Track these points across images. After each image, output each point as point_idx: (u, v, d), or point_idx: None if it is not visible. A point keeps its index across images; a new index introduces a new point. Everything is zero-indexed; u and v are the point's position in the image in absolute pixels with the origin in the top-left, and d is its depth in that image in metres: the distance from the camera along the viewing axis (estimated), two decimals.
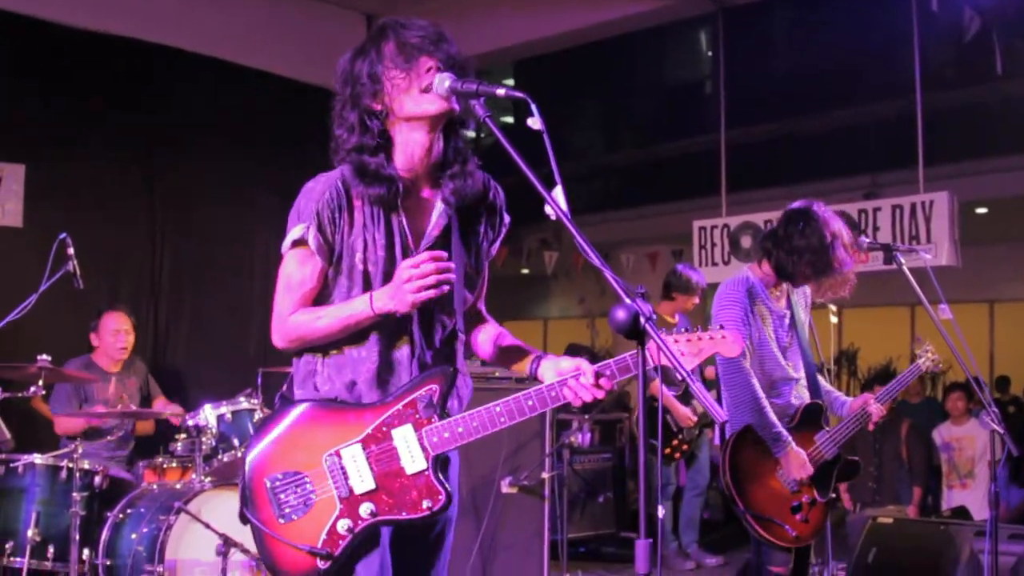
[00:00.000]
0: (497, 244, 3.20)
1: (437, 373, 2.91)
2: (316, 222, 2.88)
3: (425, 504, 2.80)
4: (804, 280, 4.77)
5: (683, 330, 2.96)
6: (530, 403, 2.83)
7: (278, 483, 2.83)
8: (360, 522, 2.79)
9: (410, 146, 2.92)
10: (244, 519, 2.89)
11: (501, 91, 2.72)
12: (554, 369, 2.95)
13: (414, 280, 2.73)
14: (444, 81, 2.76)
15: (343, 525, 2.78)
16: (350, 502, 2.80)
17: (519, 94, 2.64)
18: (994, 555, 4.81)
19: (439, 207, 2.96)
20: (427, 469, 2.81)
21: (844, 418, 4.85)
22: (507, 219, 3.17)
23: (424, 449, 2.82)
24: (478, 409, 2.84)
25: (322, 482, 2.81)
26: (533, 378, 3.04)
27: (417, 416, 2.83)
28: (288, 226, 2.95)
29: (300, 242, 2.91)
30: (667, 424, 7.97)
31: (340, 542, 2.78)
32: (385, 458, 2.81)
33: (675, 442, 8.04)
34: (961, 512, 8.43)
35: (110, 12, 8.41)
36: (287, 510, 2.81)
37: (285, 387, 3.08)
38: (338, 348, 2.94)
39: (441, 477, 2.83)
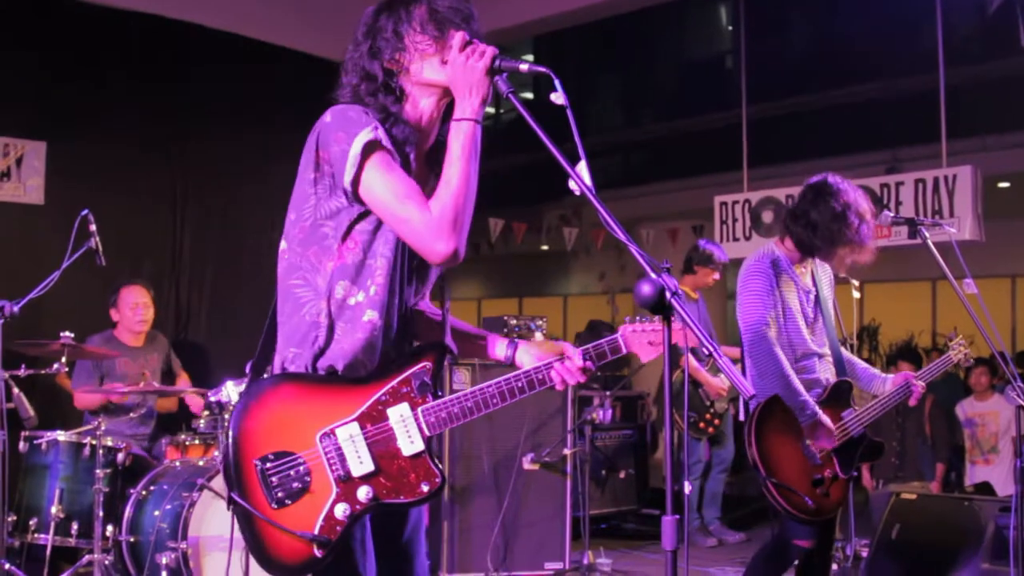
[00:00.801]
0: None
1: (429, 348, 2.81)
2: (380, 127, 2.69)
3: (424, 487, 2.69)
4: (823, 253, 4.78)
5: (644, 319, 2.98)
6: (520, 385, 2.80)
7: (269, 464, 2.63)
8: (358, 506, 2.64)
9: (418, 111, 2.83)
10: (232, 503, 2.65)
11: (524, 66, 2.67)
12: (535, 353, 2.93)
13: (473, 55, 2.66)
14: None
15: (341, 509, 2.62)
16: (348, 485, 2.64)
17: (542, 68, 2.62)
18: (1020, 530, 4.79)
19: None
20: (424, 450, 2.70)
21: (881, 395, 4.84)
22: None
23: (421, 430, 2.71)
24: (471, 390, 2.77)
25: (317, 464, 2.64)
26: (510, 364, 3.00)
27: (412, 394, 2.72)
28: (331, 145, 2.67)
29: (373, 145, 2.65)
30: (700, 398, 7.97)
31: (338, 528, 2.62)
32: (382, 439, 2.68)
33: (708, 415, 8.05)
34: (984, 488, 8.40)
35: None
36: (280, 494, 2.62)
37: (257, 354, 2.87)
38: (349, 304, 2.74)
39: (436, 458, 2.73)
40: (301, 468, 2.64)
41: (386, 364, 2.77)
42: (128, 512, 5.77)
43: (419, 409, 2.72)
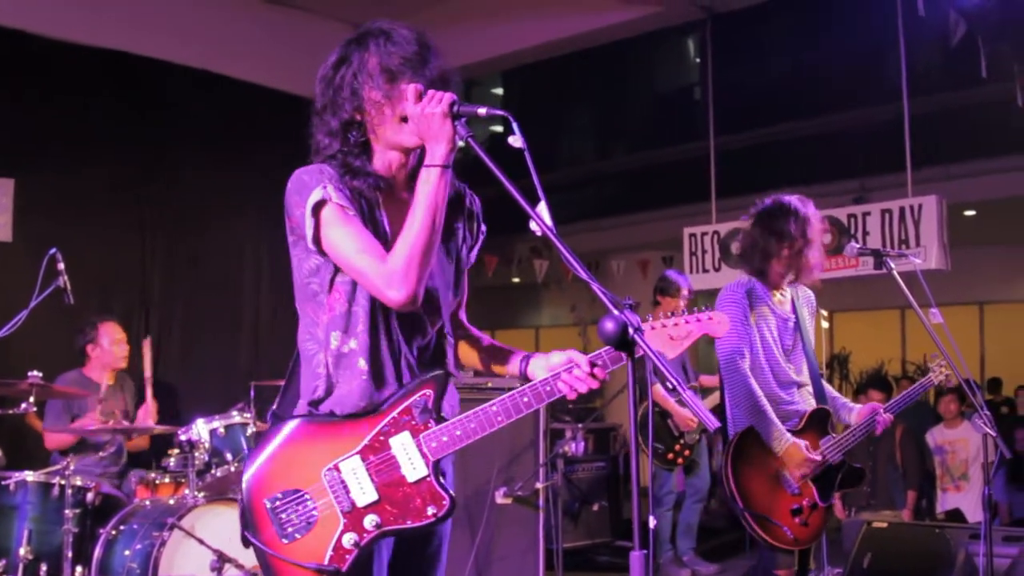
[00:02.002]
0: (476, 251, 3.15)
1: (430, 377, 2.87)
2: (330, 184, 2.79)
3: (430, 511, 2.78)
4: (776, 275, 4.81)
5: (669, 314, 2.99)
6: (525, 399, 2.83)
7: (279, 502, 2.77)
8: (366, 535, 2.75)
9: (388, 157, 2.91)
10: (246, 542, 2.80)
11: (482, 110, 2.70)
12: (545, 365, 2.95)
13: (430, 104, 2.70)
14: None
15: (349, 539, 2.74)
16: (353, 515, 2.75)
17: (500, 112, 2.65)
18: (989, 557, 4.81)
19: None
20: (428, 475, 2.78)
21: (850, 425, 4.86)
22: (483, 227, 3.15)
23: (424, 455, 2.79)
24: (474, 411, 2.82)
25: (323, 497, 2.76)
26: (524, 378, 3.03)
27: (414, 422, 2.81)
28: (293, 210, 2.81)
29: (322, 204, 2.77)
30: (669, 429, 7.96)
31: (347, 556, 2.73)
32: (385, 468, 2.78)
33: (677, 447, 8.03)
34: (955, 515, 8.44)
35: (100, 25, 8.41)
36: (289, 529, 2.75)
37: (277, 403, 3.01)
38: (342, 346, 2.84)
39: (443, 481, 2.81)
40: (308, 503, 2.77)
41: (387, 398, 2.85)
42: (98, 552, 5.71)
43: (420, 436, 2.81)
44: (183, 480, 6.32)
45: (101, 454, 6.64)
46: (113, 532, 5.76)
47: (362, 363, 2.83)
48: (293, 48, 9.42)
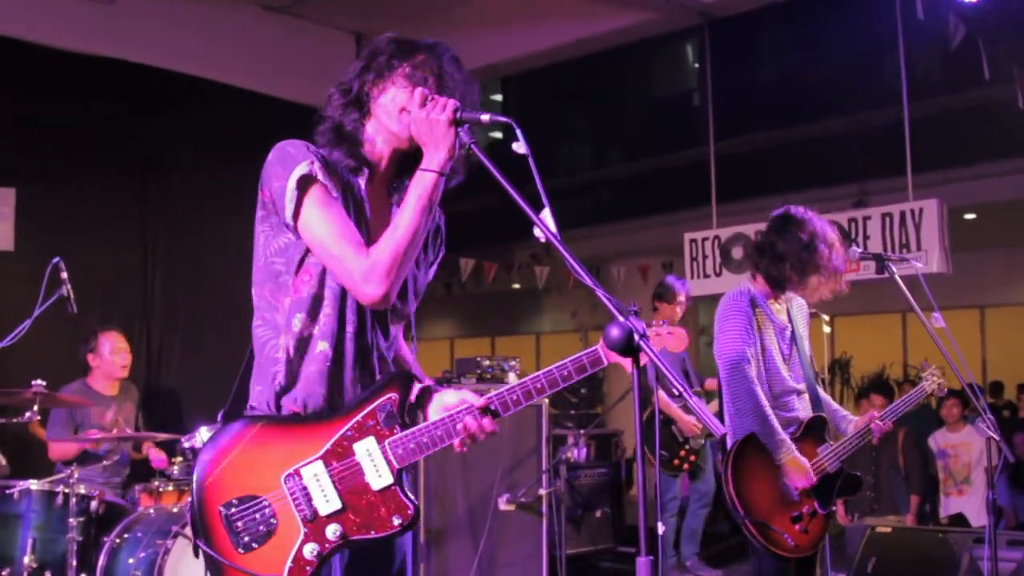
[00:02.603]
0: (434, 269, 3.06)
1: (394, 379, 2.76)
2: (317, 161, 2.72)
3: (396, 520, 2.65)
4: (795, 284, 4.79)
5: None
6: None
7: (234, 510, 2.62)
8: (327, 544, 2.61)
9: (375, 152, 2.86)
10: (197, 551, 2.64)
11: (486, 117, 2.68)
12: (439, 405, 2.84)
13: (434, 110, 2.67)
14: None
15: (310, 550, 2.60)
16: (315, 524, 2.62)
17: (503, 118, 2.64)
18: (993, 562, 4.82)
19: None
20: (394, 484, 2.66)
21: (847, 435, 4.86)
22: (443, 249, 3.07)
23: (389, 462, 2.66)
24: (440, 419, 2.72)
25: (283, 505, 2.62)
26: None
27: (379, 427, 2.68)
28: (271, 182, 2.73)
29: (308, 179, 2.69)
30: (673, 434, 7.96)
31: (308, 568, 2.60)
32: (349, 475, 2.64)
33: (682, 452, 8.03)
34: (958, 519, 8.44)
35: (99, 34, 8.43)
36: (246, 538, 2.60)
37: (228, 403, 2.86)
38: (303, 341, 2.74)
39: (407, 490, 2.69)
40: (267, 511, 2.62)
41: (351, 399, 2.75)
42: (102, 560, 5.71)
43: (386, 442, 2.68)
44: (187, 488, 6.31)
45: (105, 463, 6.63)
46: (117, 540, 5.76)
47: (323, 346, 2.72)
48: (294, 57, 9.44)
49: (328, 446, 2.67)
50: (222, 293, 8.94)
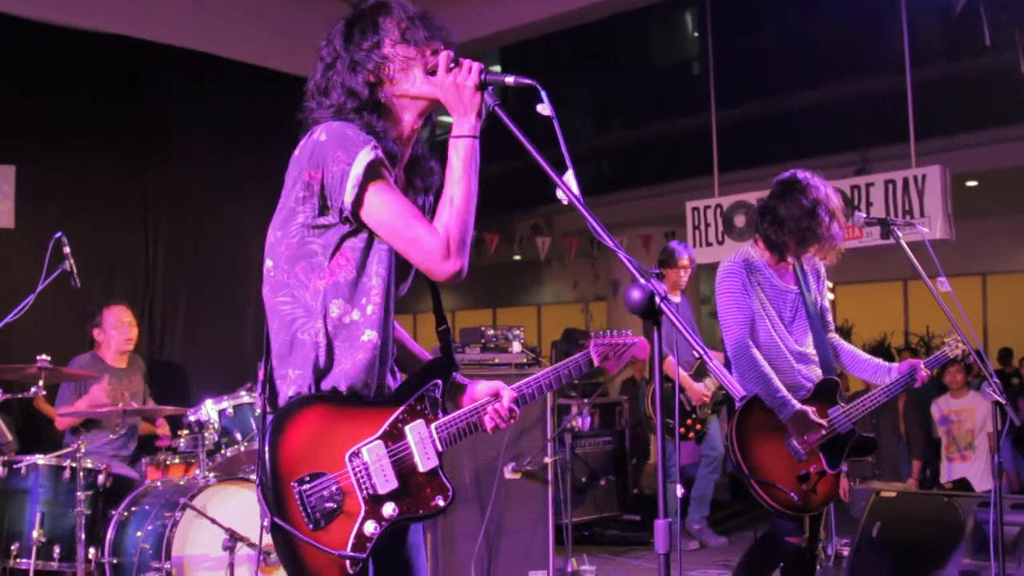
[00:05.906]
0: None
1: (438, 365, 2.88)
2: (376, 145, 2.70)
3: (439, 501, 2.78)
4: (792, 250, 4.78)
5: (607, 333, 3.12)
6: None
7: (306, 486, 2.66)
8: (384, 522, 2.71)
9: (399, 127, 2.85)
10: (275, 528, 2.66)
11: (510, 79, 2.68)
12: (474, 394, 3.00)
13: (460, 74, 2.70)
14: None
15: (370, 527, 2.68)
16: (374, 503, 2.70)
17: (528, 80, 2.64)
18: (999, 525, 4.83)
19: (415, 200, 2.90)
20: (439, 465, 2.79)
21: (889, 382, 4.82)
22: None
23: (435, 445, 2.79)
24: (474, 405, 2.89)
25: (347, 483, 2.69)
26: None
27: (426, 412, 2.81)
28: (330, 165, 2.66)
29: (376, 164, 2.67)
30: (681, 403, 7.95)
31: (368, 544, 2.68)
32: (403, 456, 2.75)
33: (688, 421, 8.03)
34: (962, 484, 8.46)
35: (97, 9, 8.38)
36: (317, 515, 2.65)
37: (268, 384, 2.82)
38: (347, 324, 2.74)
39: (446, 473, 2.81)
40: (334, 488, 2.69)
41: (398, 384, 2.85)
42: (110, 534, 5.72)
43: (433, 426, 2.80)
44: (193, 460, 6.32)
45: (111, 436, 6.65)
46: (125, 513, 5.77)
47: (371, 335, 2.73)
48: (294, 28, 9.38)
49: (385, 427, 2.76)
50: (224, 267, 8.97)
